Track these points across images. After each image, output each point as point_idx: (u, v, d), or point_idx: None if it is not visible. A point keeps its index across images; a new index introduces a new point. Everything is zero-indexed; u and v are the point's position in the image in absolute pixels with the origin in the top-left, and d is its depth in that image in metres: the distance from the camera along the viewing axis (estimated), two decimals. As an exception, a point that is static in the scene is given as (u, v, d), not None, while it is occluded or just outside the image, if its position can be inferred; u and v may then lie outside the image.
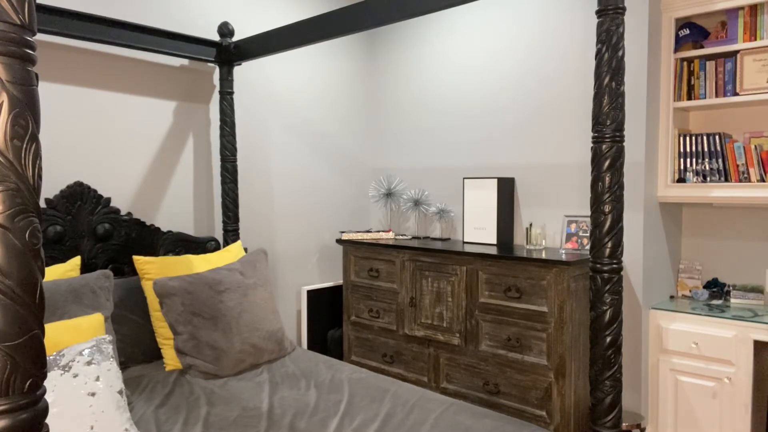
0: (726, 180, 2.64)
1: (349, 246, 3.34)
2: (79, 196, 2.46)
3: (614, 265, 1.61)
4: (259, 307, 2.47)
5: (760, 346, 2.45)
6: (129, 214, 2.64)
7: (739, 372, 2.45)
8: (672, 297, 2.93)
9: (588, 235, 2.80)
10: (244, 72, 3.14)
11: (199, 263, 2.56)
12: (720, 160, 2.65)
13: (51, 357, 1.62)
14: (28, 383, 0.71)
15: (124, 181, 2.68)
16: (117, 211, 2.59)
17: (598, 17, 1.61)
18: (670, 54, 2.73)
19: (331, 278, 3.68)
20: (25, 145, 0.71)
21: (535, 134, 3.08)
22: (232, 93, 2.92)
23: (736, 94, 2.59)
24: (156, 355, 2.40)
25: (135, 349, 2.35)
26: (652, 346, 2.71)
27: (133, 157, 2.71)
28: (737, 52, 2.58)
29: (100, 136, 2.59)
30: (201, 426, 1.79)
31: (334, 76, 3.68)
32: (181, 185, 2.90)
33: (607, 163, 1.59)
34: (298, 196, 3.48)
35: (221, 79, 2.92)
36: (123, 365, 2.27)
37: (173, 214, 2.87)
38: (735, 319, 2.47)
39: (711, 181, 2.67)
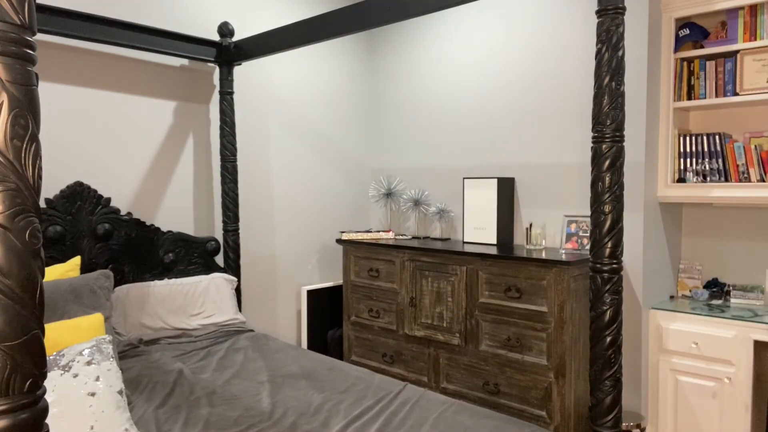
0: (726, 180, 2.63)
1: (349, 246, 3.33)
2: (79, 196, 2.45)
3: (614, 265, 1.61)
4: None
5: (760, 346, 2.45)
6: (129, 214, 2.64)
7: (739, 372, 2.45)
8: (672, 297, 2.93)
9: (588, 235, 2.80)
10: (244, 72, 3.14)
11: None
12: (720, 160, 2.65)
13: (51, 357, 1.62)
14: (28, 383, 0.71)
15: (124, 181, 2.67)
16: (117, 211, 2.58)
17: (598, 17, 1.61)
18: (670, 54, 2.73)
19: (331, 278, 3.68)
20: (25, 145, 0.71)
21: (535, 134, 3.08)
22: (232, 93, 2.92)
23: (736, 94, 2.59)
24: (156, 355, 2.40)
25: (135, 349, 2.35)
26: (652, 346, 2.71)
27: (133, 157, 2.71)
28: (737, 52, 2.58)
29: (100, 136, 2.59)
30: (201, 426, 1.79)
31: (334, 76, 3.67)
32: (181, 185, 2.90)
33: (607, 163, 1.59)
34: (298, 196, 3.48)
35: (221, 79, 2.92)
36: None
37: (173, 214, 2.87)
38: (735, 319, 2.47)
39: (711, 181, 2.67)
